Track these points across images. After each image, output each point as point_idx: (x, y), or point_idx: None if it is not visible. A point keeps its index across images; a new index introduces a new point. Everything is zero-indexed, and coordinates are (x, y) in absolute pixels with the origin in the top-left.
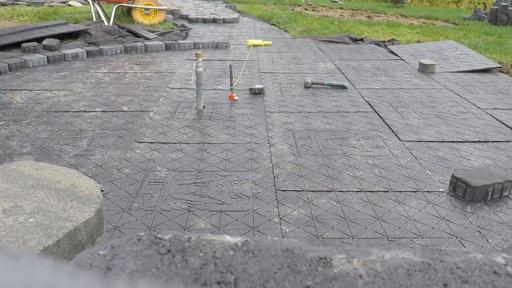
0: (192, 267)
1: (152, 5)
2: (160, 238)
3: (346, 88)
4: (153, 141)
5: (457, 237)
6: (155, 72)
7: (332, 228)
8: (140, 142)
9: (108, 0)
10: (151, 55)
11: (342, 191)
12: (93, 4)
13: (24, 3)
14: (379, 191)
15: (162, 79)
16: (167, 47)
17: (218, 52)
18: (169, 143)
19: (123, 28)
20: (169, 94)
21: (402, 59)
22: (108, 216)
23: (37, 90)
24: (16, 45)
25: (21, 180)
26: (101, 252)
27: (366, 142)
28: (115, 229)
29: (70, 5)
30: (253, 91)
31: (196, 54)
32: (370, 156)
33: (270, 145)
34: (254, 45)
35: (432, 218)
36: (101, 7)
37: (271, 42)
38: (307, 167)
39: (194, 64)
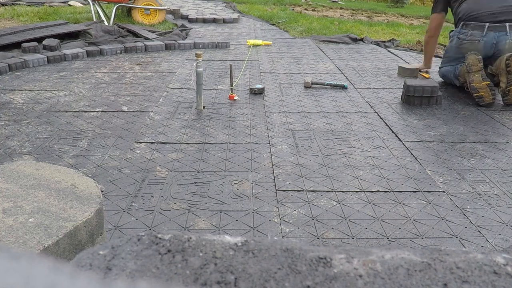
0: (192, 267)
1: (152, 5)
2: (160, 238)
3: (346, 88)
4: (153, 141)
5: (457, 237)
6: (155, 72)
7: (332, 228)
8: (140, 142)
9: (108, 0)
10: (151, 55)
11: (342, 191)
12: (93, 4)
13: (24, 3)
14: (379, 191)
15: (162, 79)
16: (167, 47)
17: (218, 52)
18: (169, 143)
19: (123, 28)
20: (169, 94)
21: (403, 60)
22: (108, 216)
23: (37, 90)
24: (16, 45)
25: (21, 180)
26: (101, 252)
27: (366, 142)
28: (115, 229)
29: (70, 5)
30: (253, 91)
31: (196, 54)
32: (370, 156)
33: (270, 145)
34: (254, 45)
35: (432, 218)
36: (101, 7)
37: (271, 42)
38: (307, 167)
39: (194, 64)
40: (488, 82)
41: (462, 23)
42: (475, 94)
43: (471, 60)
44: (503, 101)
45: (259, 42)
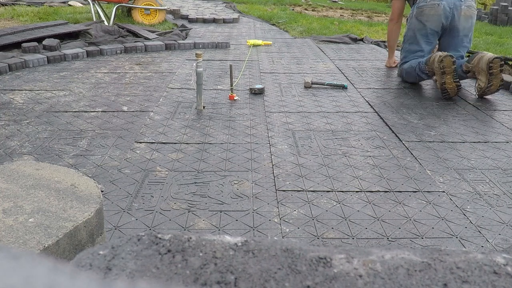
0: (192, 267)
1: (152, 5)
2: (160, 238)
3: (346, 88)
4: (153, 141)
5: (457, 237)
6: (155, 72)
7: (332, 228)
8: (140, 142)
9: (108, 0)
10: (151, 55)
11: (342, 191)
12: (93, 4)
13: (24, 3)
14: (379, 191)
15: (162, 79)
16: (167, 47)
17: (218, 52)
18: (169, 143)
19: (123, 28)
20: (169, 94)
21: None
22: (108, 216)
23: (37, 90)
24: (16, 45)
25: (21, 180)
26: (101, 252)
27: (366, 142)
28: (115, 229)
29: (70, 5)
30: (253, 91)
31: (196, 54)
32: (370, 156)
33: (270, 145)
34: (254, 45)
35: (432, 218)
36: (101, 7)
37: (271, 42)
38: (307, 167)
39: (194, 64)
40: (459, 84)
41: None
42: (443, 93)
43: (446, 62)
44: (478, 96)
45: (259, 42)
